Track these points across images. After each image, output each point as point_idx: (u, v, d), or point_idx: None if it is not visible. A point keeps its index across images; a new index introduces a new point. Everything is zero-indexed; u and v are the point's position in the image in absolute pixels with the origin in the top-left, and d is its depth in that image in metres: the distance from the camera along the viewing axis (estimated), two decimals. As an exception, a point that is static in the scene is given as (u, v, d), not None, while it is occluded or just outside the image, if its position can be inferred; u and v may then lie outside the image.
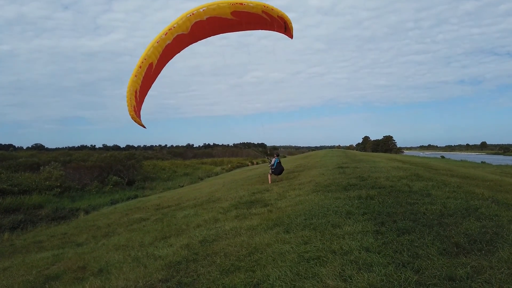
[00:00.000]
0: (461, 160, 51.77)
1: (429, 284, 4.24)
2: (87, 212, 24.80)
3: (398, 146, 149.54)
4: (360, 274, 4.62)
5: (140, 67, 10.42)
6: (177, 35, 10.86)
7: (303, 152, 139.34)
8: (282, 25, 11.71)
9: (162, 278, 6.00)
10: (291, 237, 6.77)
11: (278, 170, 18.28)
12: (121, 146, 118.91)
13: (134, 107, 10.27)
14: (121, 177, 43.17)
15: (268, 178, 18.62)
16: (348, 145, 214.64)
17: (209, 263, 6.29)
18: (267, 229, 7.76)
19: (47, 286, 7.43)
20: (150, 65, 10.71)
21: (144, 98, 11.47)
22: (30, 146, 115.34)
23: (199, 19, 10.83)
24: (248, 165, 64.64)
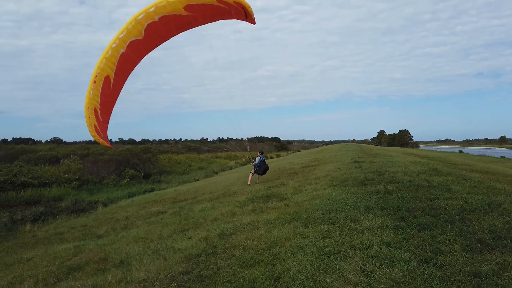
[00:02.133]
0: (480, 155, 50.59)
1: (454, 280, 4.19)
2: (105, 205, 25.25)
3: (414, 140, 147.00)
4: (382, 270, 4.60)
5: (95, 82, 9.66)
6: (130, 41, 10.04)
7: (317, 147, 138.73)
8: (241, 12, 10.78)
9: (182, 271, 6.08)
10: (309, 232, 6.76)
11: (261, 169, 17.24)
12: (137, 140, 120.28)
13: (95, 126, 9.56)
14: (138, 171, 43.78)
15: (248, 178, 17.51)
16: (363, 140, 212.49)
17: (229, 256, 6.34)
18: (285, 223, 7.78)
19: (70, 276, 7.60)
20: (107, 78, 9.91)
21: (109, 116, 10.66)
22: (48, 140, 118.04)
23: (151, 21, 10.01)
24: (262, 159, 64.54)
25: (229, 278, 5.33)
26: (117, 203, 25.79)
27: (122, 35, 9.92)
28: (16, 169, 33.94)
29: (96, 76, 9.70)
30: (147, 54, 11.02)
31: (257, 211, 9.95)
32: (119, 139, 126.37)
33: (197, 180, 37.81)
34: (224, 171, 47.59)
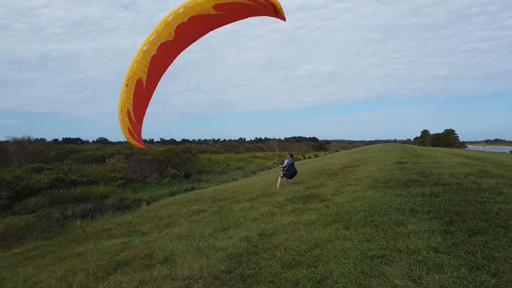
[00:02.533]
0: (535, 156, 47.25)
1: (509, 289, 3.97)
2: (148, 203, 26.23)
3: (460, 140, 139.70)
4: (430, 275, 4.44)
5: (127, 85, 9.78)
6: (161, 43, 10.06)
7: (356, 147, 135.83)
8: (270, 8, 10.46)
9: (225, 269, 6.19)
10: (352, 234, 6.66)
11: (290, 173, 17.09)
12: (177, 140, 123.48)
13: (129, 129, 9.69)
14: (179, 170, 45.00)
15: (277, 181, 17.71)
16: (405, 139, 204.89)
17: (270, 257, 6.38)
18: (326, 225, 7.70)
19: (118, 271, 7.96)
20: (139, 81, 10.00)
21: (142, 118, 10.75)
22: (95, 140, 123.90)
23: (180, 22, 9.98)
24: (300, 159, 64.25)
25: (271, 279, 5.37)
26: (160, 201, 26.69)
27: (153, 37, 10.02)
28: (66, 167, 36.07)
29: (128, 80, 9.90)
30: (178, 55, 11.11)
31: (296, 212, 9.93)
32: (160, 139, 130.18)
33: (236, 179, 38.27)
34: (262, 171, 47.80)
